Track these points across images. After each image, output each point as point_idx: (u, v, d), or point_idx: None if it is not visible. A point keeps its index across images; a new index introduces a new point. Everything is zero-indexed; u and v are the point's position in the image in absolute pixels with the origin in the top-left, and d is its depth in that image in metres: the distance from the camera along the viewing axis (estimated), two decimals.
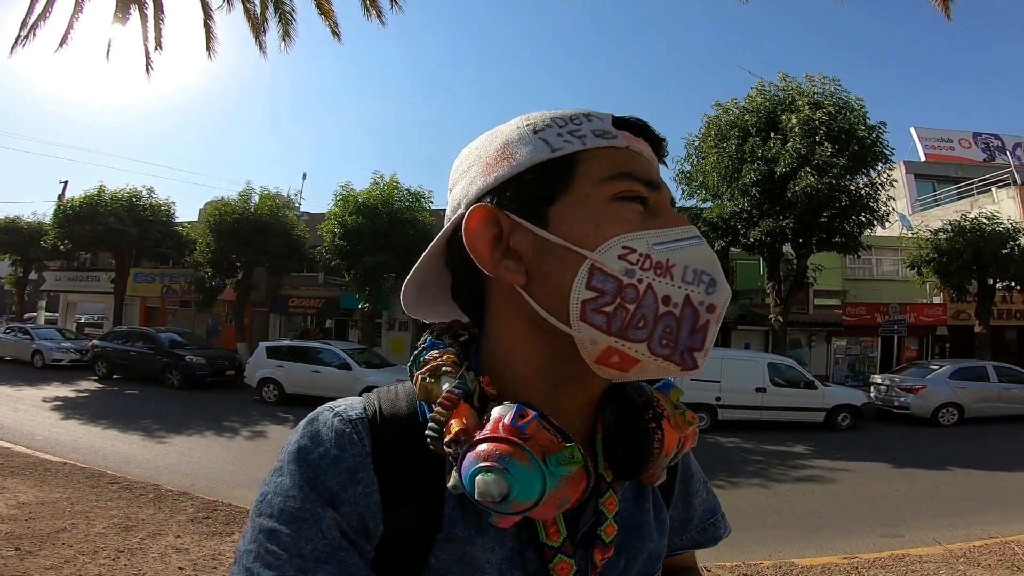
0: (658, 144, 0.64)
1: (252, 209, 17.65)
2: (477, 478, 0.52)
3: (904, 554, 4.80)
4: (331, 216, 16.35)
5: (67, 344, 18.18)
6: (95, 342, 16.80)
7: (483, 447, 0.52)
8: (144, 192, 19.96)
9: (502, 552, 0.59)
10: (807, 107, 13.18)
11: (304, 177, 47.40)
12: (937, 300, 18.49)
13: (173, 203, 20.81)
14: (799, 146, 12.81)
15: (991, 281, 15.57)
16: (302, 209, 22.11)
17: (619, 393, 0.65)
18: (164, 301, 23.61)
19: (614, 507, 0.64)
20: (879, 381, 14.10)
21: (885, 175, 14.31)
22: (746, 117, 14.48)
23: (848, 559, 4.76)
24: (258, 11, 6.56)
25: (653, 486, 0.69)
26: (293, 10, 6.03)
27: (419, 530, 0.57)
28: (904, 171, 24.04)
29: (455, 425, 0.55)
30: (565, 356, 0.58)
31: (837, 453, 9.60)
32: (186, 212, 40.67)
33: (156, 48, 6.82)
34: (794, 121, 13.11)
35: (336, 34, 6.78)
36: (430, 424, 0.56)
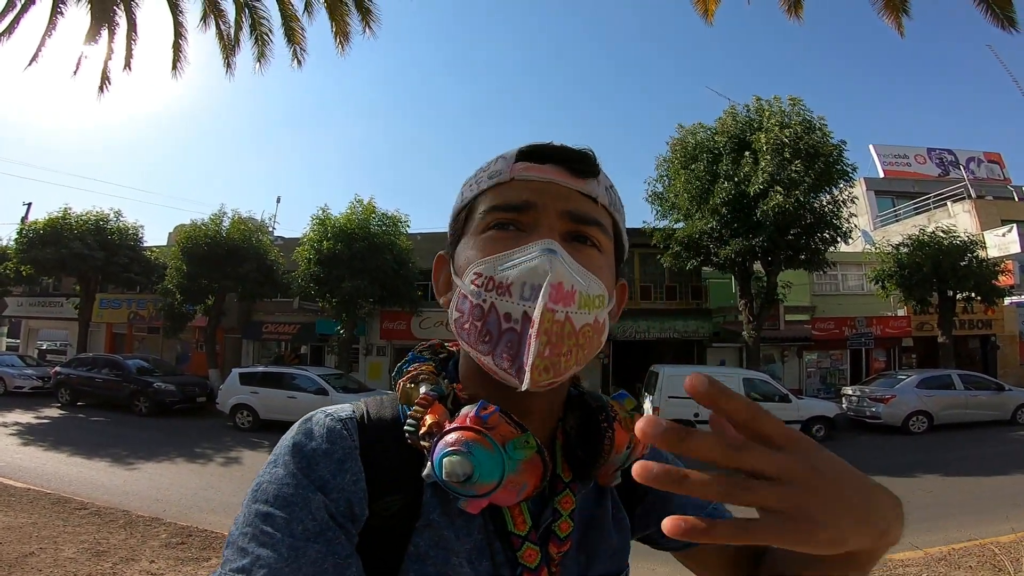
0: (569, 160, 0.68)
1: (224, 233, 17.38)
2: (445, 460, 0.58)
3: (886, 560, 4.86)
4: (306, 241, 16.20)
5: (29, 371, 17.68)
6: (58, 369, 16.31)
7: (451, 435, 0.60)
8: (111, 215, 19.48)
9: (470, 542, 0.64)
10: (776, 127, 13.61)
11: (278, 201, 46.11)
12: (901, 312, 19.04)
13: (141, 227, 20.32)
14: (769, 165, 13.20)
15: (951, 292, 16.09)
16: (276, 233, 21.83)
17: (580, 402, 0.72)
18: (131, 327, 22.96)
19: (569, 505, 0.69)
20: (850, 393, 14.42)
21: (847, 192, 14.79)
22: (716, 138, 14.88)
23: None
24: (232, 32, 6.58)
25: (609, 486, 0.74)
26: (270, 31, 6.05)
27: (401, 517, 0.63)
28: (864, 188, 24.91)
29: (429, 420, 0.63)
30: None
31: None
32: (156, 236, 39.73)
33: (125, 67, 6.79)
34: (763, 140, 13.52)
35: (299, 60, 6.80)
36: (408, 420, 0.65)
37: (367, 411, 0.69)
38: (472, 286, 0.63)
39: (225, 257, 16.86)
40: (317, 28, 7.16)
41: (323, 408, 0.68)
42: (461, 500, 0.60)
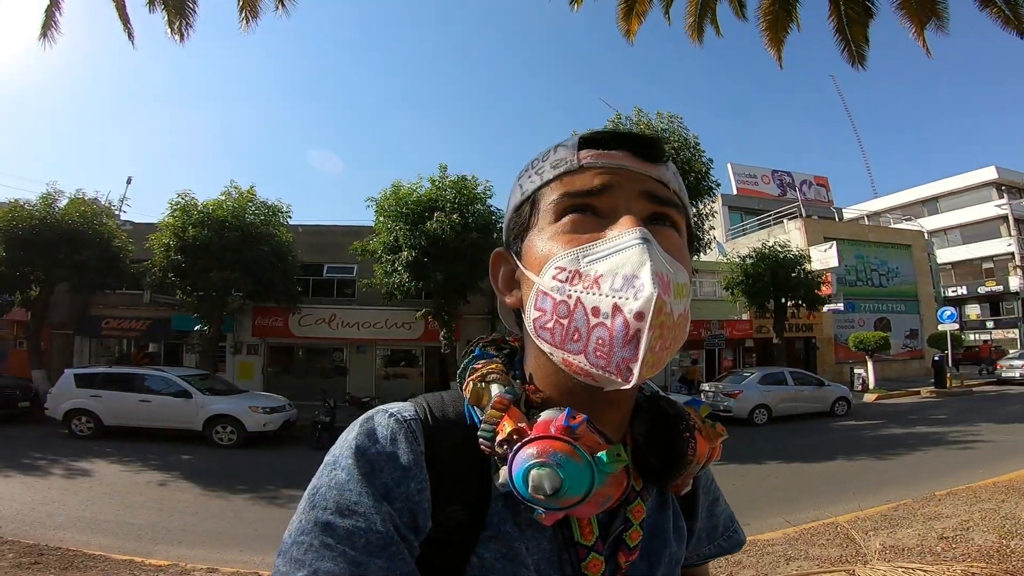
0: (638, 145, 0.65)
1: (58, 215, 15.03)
2: (532, 472, 0.55)
3: (754, 540, 5.35)
4: (165, 227, 14.50)
5: None
6: None
7: (536, 445, 0.56)
8: None
9: (539, 552, 0.62)
10: None
11: (129, 181, 40.12)
12: (745, 316, 21.49)
13: None
14: None
15: (784, 300, 18.52)
16: (125, 218, 19.30)
17: (652, 407, 0.70)
18: None
19: (641, 514, 0.68)
20: (707, 388, 15.99)
21: (710, 207, 16.37)
22: None
23: None
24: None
25: (679, 495, 0.73)
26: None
27: (465, 528, 0.60)
28: (721, 203, 27.80)
29: (507, 426, 0.59)
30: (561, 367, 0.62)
31: None
32: None
33: None
34: None
35: (181, 34, 6.10)
36: (483, 425, 0.61)
37: (430, 411, 0.65)
38: (554, 282, 0.59)
39: (58, 242, 14.57)
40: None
41: (383, 407, 0.65)
42: (538, 512, 0.58)
